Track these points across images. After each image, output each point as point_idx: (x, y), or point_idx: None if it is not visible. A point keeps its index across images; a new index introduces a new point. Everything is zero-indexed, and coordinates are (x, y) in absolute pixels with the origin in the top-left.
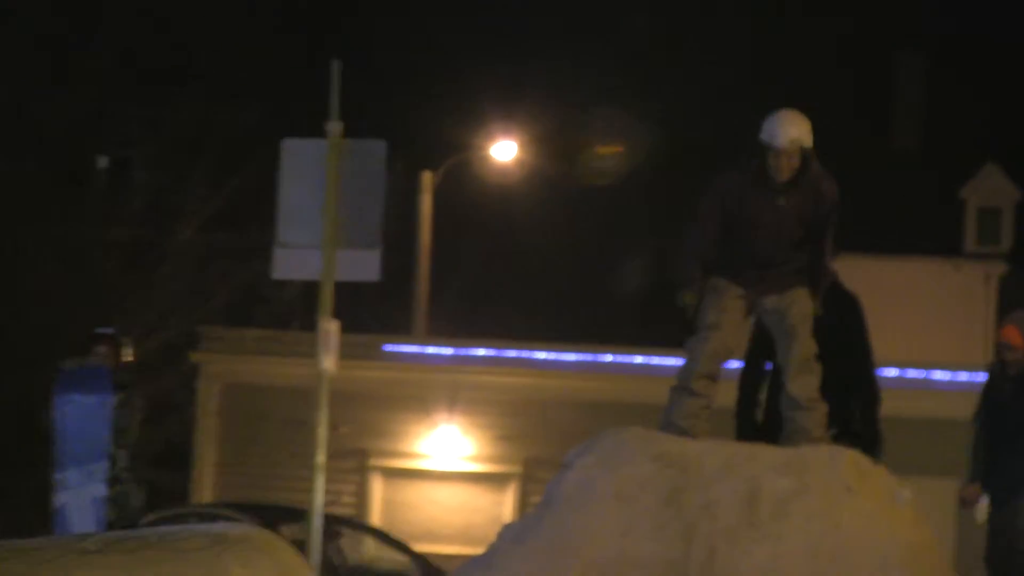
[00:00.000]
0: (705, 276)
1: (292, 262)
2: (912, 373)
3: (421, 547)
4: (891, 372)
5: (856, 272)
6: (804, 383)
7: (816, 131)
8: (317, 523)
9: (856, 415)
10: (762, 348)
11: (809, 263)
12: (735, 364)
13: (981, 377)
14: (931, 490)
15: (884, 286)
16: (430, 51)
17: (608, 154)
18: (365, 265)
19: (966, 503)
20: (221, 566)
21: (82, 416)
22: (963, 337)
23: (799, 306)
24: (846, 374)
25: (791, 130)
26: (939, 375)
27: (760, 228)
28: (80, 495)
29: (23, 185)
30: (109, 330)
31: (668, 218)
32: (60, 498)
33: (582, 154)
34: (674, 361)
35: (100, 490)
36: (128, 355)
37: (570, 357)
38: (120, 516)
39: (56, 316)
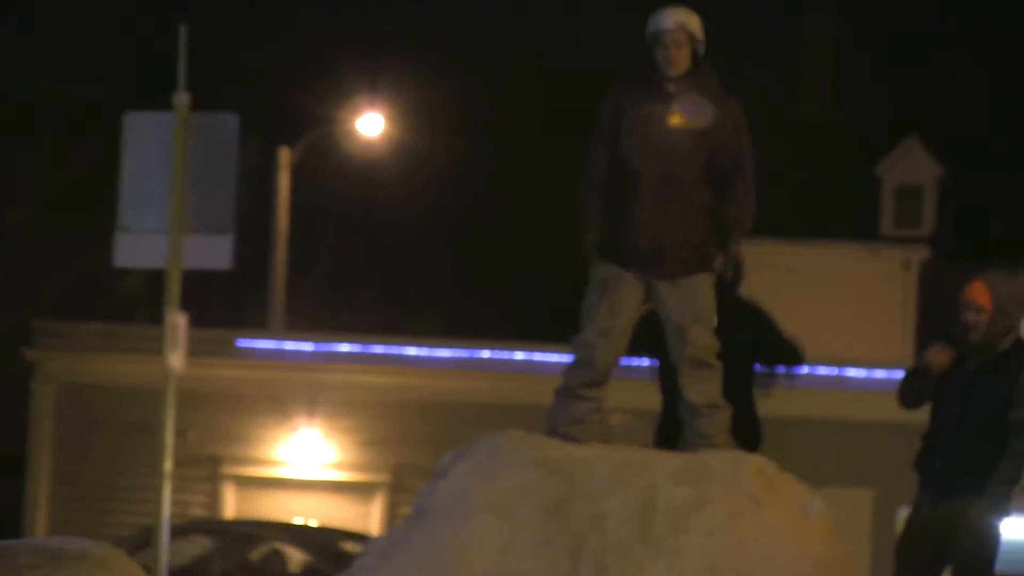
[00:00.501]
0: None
1: (135, 249)
2: (823, 371)
3: None
4: (799, 369)
5: (764, 258)
6: (702, 387)
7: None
8: (164, 536)
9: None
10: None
11: (717, 222)
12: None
13: (896, 375)
14: (845, 501)
15: (794, 273)
16: (286, 16)
17: None
18: (216, 252)
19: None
20: None
21: None
22: (881, 329)
23: (698, 299)
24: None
25: (677, 15)
26: (853, 373)
27: (652, 149)
28: None
29: None
30: None
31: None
32: None
33: None
34: (558, 358)
35: None
36: None
37: (443, 353)
38: None
39: None
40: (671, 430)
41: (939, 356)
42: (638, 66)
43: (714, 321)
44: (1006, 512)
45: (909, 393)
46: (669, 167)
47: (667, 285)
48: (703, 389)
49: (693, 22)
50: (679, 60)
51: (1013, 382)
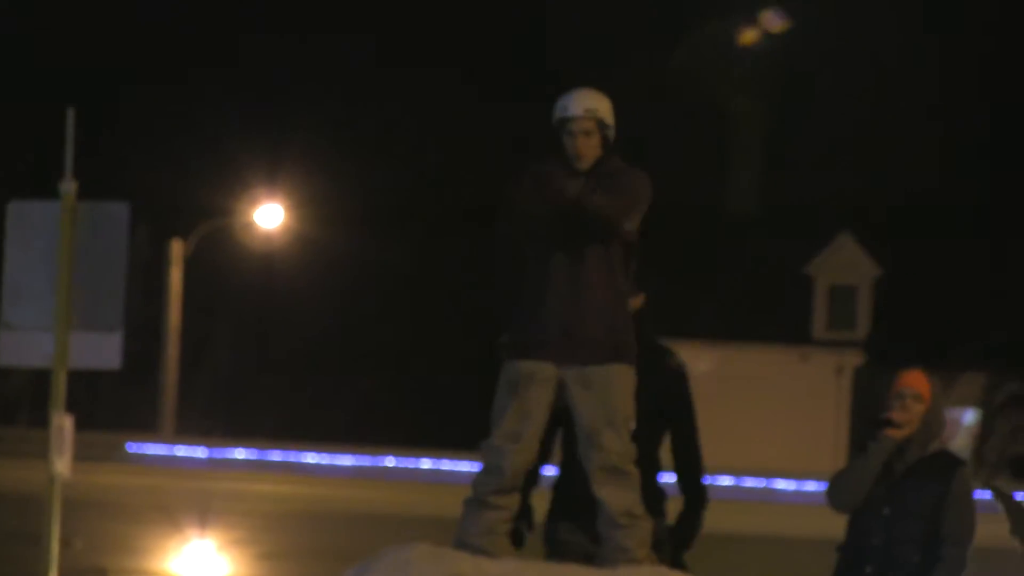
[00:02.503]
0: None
1: (19, 346)
2: (750, 482)
3: None
4: (726, 481)
5: (692, 363)
6: (619, 495)
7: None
8: None
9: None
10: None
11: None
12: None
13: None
14: None
15: (724, 377)
16: (181, 106)
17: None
18: (105, 350)
19: None
20: None
21: None
22: (813, 435)
23: (612, 398)
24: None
25: (585, 100)
26: (782, 485)
27: (559, 240)
28: None
29: None
30: None
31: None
32: None
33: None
34: (468, 465)
35: None
36: None
37: (345, 461)
38: None
39: None
40: (563, 534)
41: (903, 416)
42: (544, 155)
43: (631, 424)
44: None
45: (844, 490)
46: (578, 255)
47: (578, 384)
48: (620, 498)
49: (603, 107)
50: (587, 150)
51: (944, 491)
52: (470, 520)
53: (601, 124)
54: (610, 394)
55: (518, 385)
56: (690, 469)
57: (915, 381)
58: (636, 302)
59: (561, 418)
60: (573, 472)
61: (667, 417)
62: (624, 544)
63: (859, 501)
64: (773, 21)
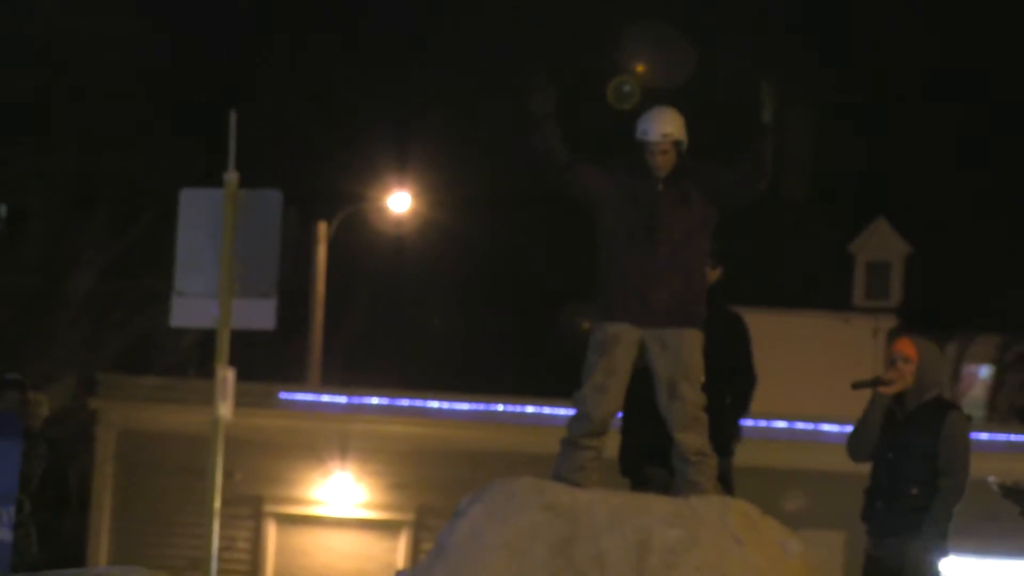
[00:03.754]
0: (592, 311)
1: (189, 310)
2: (801, 426)
3: None
4: (780, 424)
5: (749, 325)
6: (692, 437)
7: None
8: (213, 568)
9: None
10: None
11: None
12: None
13: None
14: (820, 542)
15: (776, 339)
16: (326, 102)
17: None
18: (261, 314)
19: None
20: None
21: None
22: (850, 393)
23: (687, 353)
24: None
25: (662, 125)
26: (828, 428)
27: (640, 222)
28: None
29: None
30: (16, 376)
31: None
32: None
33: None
34: (564, 411)
35: (6, 535)
36: (44, 409)
37: (462, 407)
38: (21, 560)
39: None
40: (643, 469)
41: (893, 375)
42: (629, 157)
43: (701, 377)
44: (943, 548)
45: (857, 445)
46: (655, 234)
47: (656, 344)
48: (694, 440)
49: (677, 128)
50: (664, 165)
51: (938, 431)
52: (565, 458)
53: (675, 142)
54: (683, 352)
55: (605, 345)
56: (740, 412)
57: (903, 346)
58: (713, 275)
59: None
60: (649, 418)
61: (734, 371)
62: (695, 479)
63: (870, 450)
64: None
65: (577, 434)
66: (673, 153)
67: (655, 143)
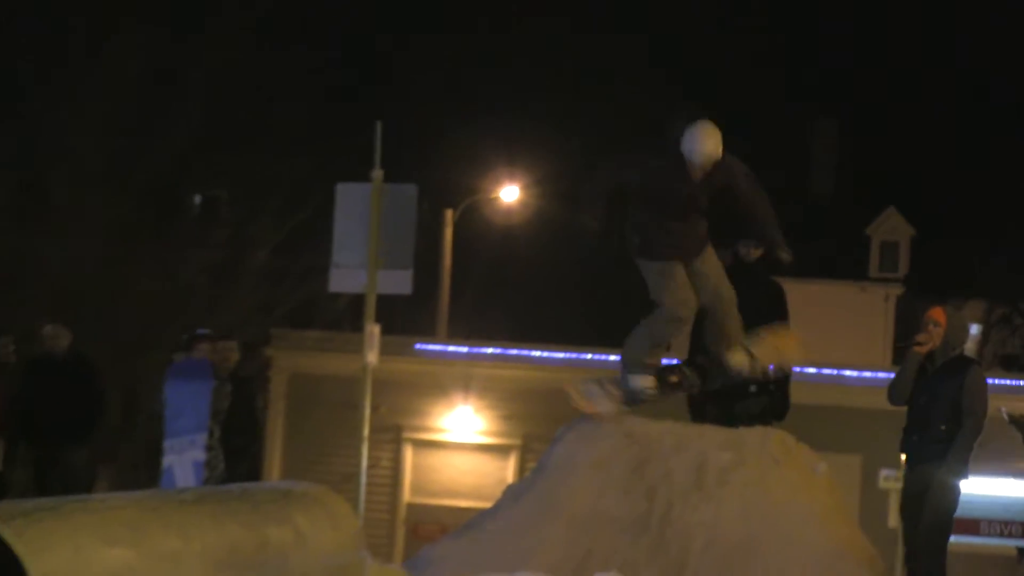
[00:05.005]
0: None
1: (344, 279)
2: (827, 371)
3: (443, 501)
4: (811, 370)
5: (786, 290)
6: (740, 360)
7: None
8: (363, 481)
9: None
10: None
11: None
12: None
13: (879, 376)
14: (841, 464)
15: (808, 303)
16: (456, 110)
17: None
18: (400, 282)
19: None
20: (286, 514)
21: (188, 397)
22: (868, 344)
23: (711, 262)
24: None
25: (707, 146)
26: (849, 373)
27: (679, 209)
28: (183, 459)
29: (134, 215)
30: (207, 331)
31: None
32: (167, 460)
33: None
34: None
35: (199, 456)
36: (235, 355)
37: (559, 355)
38: (211, 475)
39: (156, 319)
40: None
41: (925, 337)
42: (671, 155)
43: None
44: (964, 473)
45: (897, 392)
46: (692, 214)
47: (696, 260)
48: (740, 359)
49: (718, 148)
50: (699, 172)
51: (963, 380)
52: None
53: (716, 160)
54: (710, 260)
55: (668, 274)
56: None
57: (935, 314)
58: (756, 252)
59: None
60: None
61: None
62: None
63: (906, 396)
64: None
65: (663, 338)
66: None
67: (699, 163)
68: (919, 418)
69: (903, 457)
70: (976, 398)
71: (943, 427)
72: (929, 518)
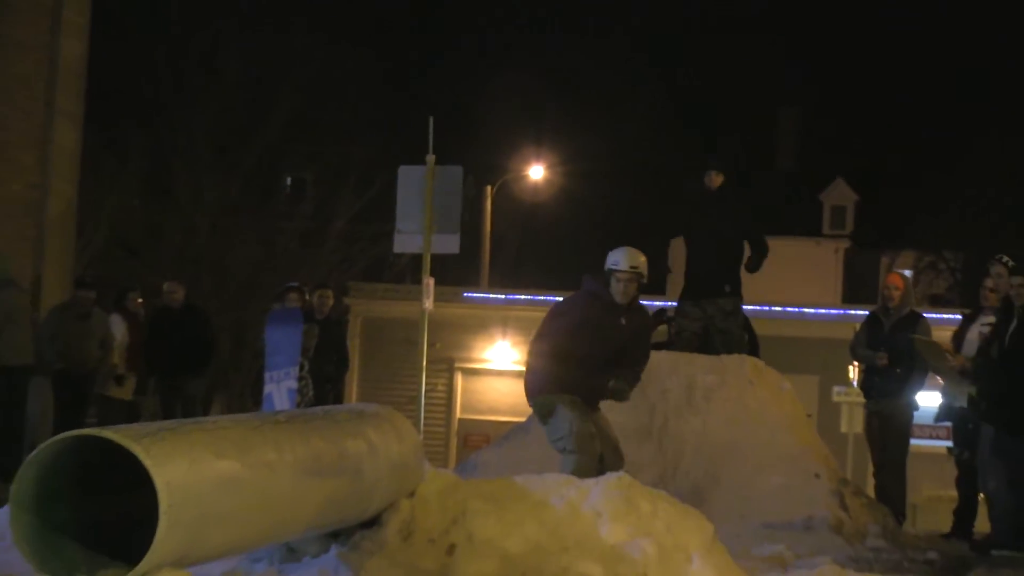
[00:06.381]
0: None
1: (405, 241)
2: (790, 309)
3: (487, 417)
4: (777, 308)
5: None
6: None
7: (730, 157)
8: (422, 402)
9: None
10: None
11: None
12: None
13: (833, 312)
14: (801, 383)
15: (774, 255)
16: (496, 102)
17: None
18: (450, 243)
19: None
20: (360, 430)
21: (282, 338)
22: (821, 288)
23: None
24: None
25: (632, 259)
26: (807, 310)
27: (606, 342)
28: (280, 387)
29: (238, 194)
30: (296, 284)
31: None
32: (268, 388)
33: None
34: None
35: (292, 384)
36: (329, 302)
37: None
38: (302, 400)
39: (256, 276)
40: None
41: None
42: (599, 292)
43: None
44: (916, 404)
45: (859, 357)
46: (618, 346)
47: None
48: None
49: (643, 266)
50: (627, 294)
51: (913, 331)
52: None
53: (640, 277)
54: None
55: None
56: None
57: (894, 279)
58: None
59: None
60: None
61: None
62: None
63: (866, 352)
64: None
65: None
66: (635, 285)
67: (624, 272)
68: (881, 368)
69: (863, 392)
70: (925, 347)
71: (898, 370)
72: (894, 439)
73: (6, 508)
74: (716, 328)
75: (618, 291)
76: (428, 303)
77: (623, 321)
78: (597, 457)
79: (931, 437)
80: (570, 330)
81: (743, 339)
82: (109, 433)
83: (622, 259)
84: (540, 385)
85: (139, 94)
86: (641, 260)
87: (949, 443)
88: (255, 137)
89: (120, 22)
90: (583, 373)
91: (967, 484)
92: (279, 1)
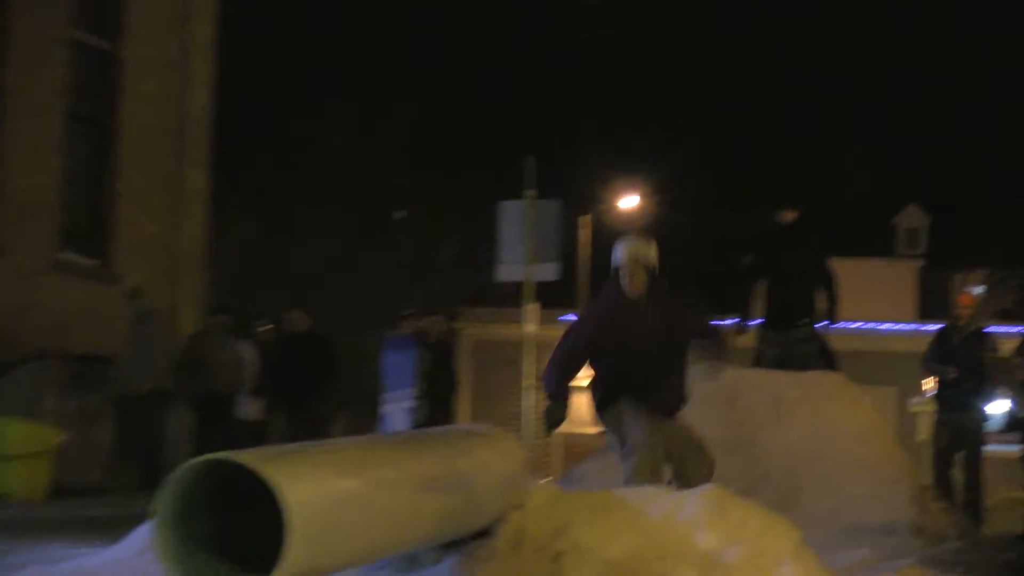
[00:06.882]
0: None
1: (508, 270)
2: (868, 325)
3: (587, 430)
4: (856, 325)
5: (837, 268)
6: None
7: (806, 191)
8: (524, 419)
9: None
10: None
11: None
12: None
13: (910, 327)
14: (879, 394)
15: (850, 275)
16: (588, 138)
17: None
18: (549, 271)
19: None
20: (471, 448)
21: (398, 362)
22: (897, 305)
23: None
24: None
25: (629, 249)
26: (884, 326)
27: (636, 338)
28: (396, 408)
29: (353, 226)
30: (411, 311)
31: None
32: (385, 409)
33: None
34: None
35: (407, 405)
36: (440, 327)
37: None
38: (417, 419)
39: (373, 302)
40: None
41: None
42: (612, 292)
43: None
44: (986, 417)
45: (931, 370)
46: (647, 339)
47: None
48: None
49: (643, 254)
50: (635, 286)
51: (983, 348)
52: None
53: (646, 267)
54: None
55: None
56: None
57: (964, 299)
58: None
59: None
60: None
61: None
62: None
63: (937, 366)
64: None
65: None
66: (643, 275)
67: (623, 264)
68: (952, 382)
69: (938, 404)
70: (992, 363)
71: (969, 384)
72: (970, 447)
73: (150, 524)
74: (792, 354)
75: (626, 285)
76: (531, 327)
77: (648, 315)
78: (656, 459)
79: (1006, 442)
80: (588, 332)
81: (819, 364)
82: (241, 457)
83: (620, 252)
84: (598, 400)
85: (264, 138)
86: (641, 249)
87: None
88: (368, 174)
89: (236, 71)
90: (628, 377)
91: None
92: (379, 42)
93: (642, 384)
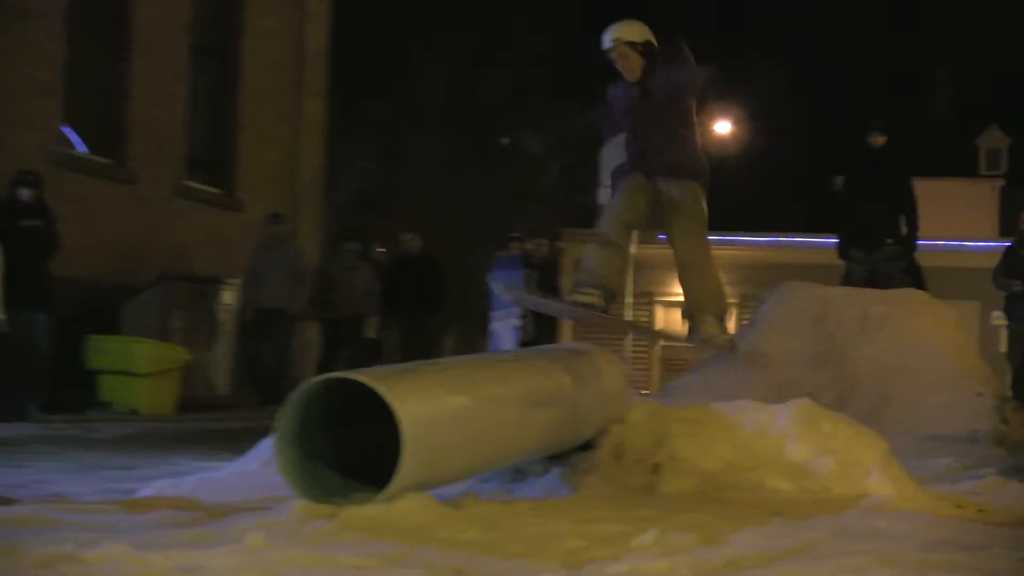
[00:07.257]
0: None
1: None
2: (952, 242)
3: (685, 343)
4: (941, 242)
5: (919, 188)
6: (709, 332)
7: (897, 118)
8: (628, 337)
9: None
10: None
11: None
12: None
13: (991, 245)
14: (963, 309)
15: (935, 196)
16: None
17: None
18: None
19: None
20: (572, 364)
21: (506, 281)
22: (979, 225)
23: (689, 193)
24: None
25: (610, 32)
26: (968, 243)
27: (636, 118)
28: (505, 324)
29: (462, 154)
30: (517, 234)
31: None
32: (494, 326)
33: None
34: (823, 240)
35: (515, 323)
36: (545, 249)
37: (762, 239)
38: (524, 337)
39: (481, 225)
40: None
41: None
42: (616, 83)
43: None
44: None
45: (1000, 285)
46: (649, 121)
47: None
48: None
49: (626, 33)
50: (629, 69)
51: None
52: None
53: (631, 45)
54: (685, 199)
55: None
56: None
57: None
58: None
59: None
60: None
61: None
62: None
63: (1004, 281)
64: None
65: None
66: (635, 56)
67: (608, 49)
68: (1019, 288)
69: (1006, 315)
70: None
71: None
72: None
73: (272, 438)
74: (880, 273)
75: (622, 70)
76: (632, 247)
77: (648, 86)
78: (624, 209)
79: None
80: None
81: (905, 282)
82: (359, 376)
83: (605, 38)
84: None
85: (374, 71)
86: (623, 29)
87: None
88: (477, 103)
89: (353, 10)
90: (634, 148)
91: None
92: None
93: (639, 152)
